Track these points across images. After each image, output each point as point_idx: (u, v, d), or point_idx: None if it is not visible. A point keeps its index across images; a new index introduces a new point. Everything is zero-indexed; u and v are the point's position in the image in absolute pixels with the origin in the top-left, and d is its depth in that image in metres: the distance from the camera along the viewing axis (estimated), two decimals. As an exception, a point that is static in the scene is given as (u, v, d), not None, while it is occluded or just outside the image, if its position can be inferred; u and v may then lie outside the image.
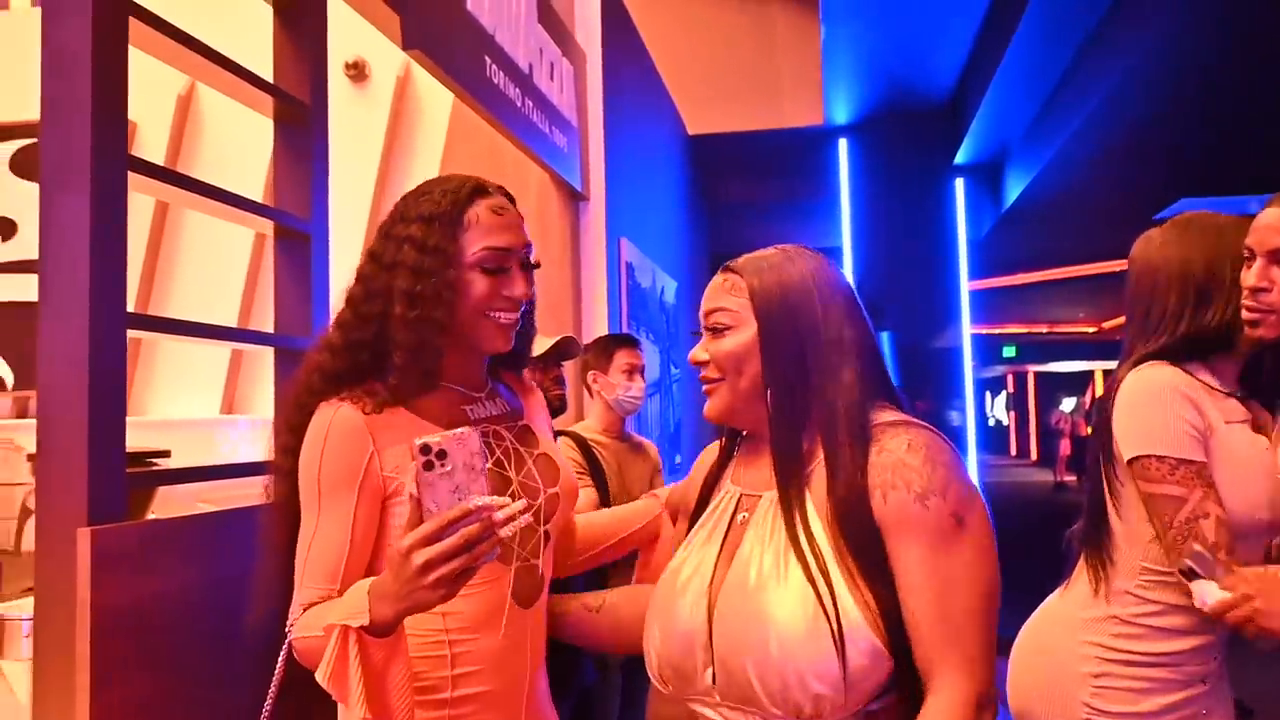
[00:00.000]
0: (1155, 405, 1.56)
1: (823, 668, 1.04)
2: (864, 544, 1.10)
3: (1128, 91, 7.26)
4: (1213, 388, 1.61)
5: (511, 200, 1.35)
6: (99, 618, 1.17)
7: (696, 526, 1.29)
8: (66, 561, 1.18)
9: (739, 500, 1.25)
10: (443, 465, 1.00)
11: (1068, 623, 1.69)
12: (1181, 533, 1.49)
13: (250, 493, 1.80)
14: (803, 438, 1.19)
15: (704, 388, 1.27)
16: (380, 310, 1.26)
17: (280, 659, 1.19)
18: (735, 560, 1.17)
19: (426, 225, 1.27)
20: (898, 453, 1.13)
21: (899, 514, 1.10)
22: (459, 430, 1.03)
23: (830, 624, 1.05)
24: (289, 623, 1.19)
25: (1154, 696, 1.58)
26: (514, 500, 1.03)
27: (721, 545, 1.21)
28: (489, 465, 1.30)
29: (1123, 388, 1.62)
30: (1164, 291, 1.66)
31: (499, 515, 1.01)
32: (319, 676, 1.06)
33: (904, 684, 1.09)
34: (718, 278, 1.28)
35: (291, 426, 1.28)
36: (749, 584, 1.12)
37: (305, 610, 1.18)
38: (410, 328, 1.24)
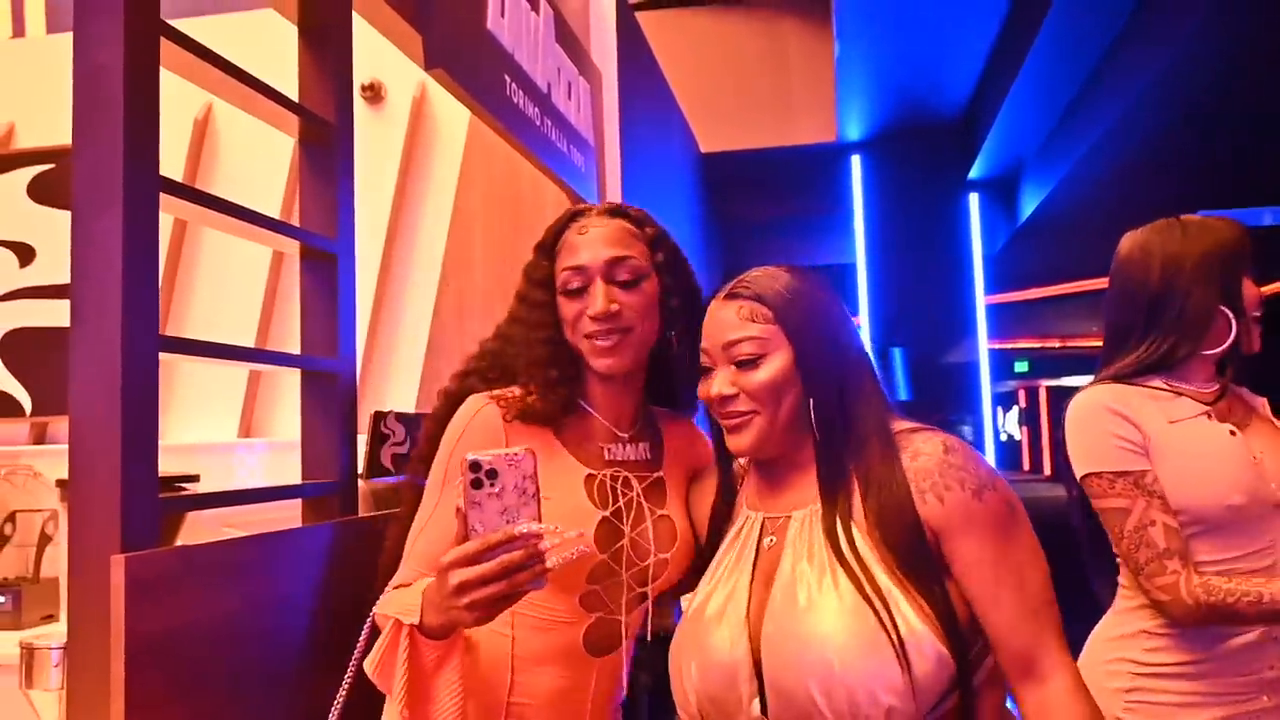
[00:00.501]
0: (1086, 425, 1.60)
1: (890, 679, 1.03)
2: (910, 549, 1.10)
3: (1143, 106, 7.26)
4: (1159, 389, 1.60)
5: (624, 216, 1.36)
6: (133, 645, 1.15)
7: (717, 557, 1.26)
8: (99, 589, 1.15)
9: (762, 524, 1.22)
10: (492, 485, 0.97)
11: (1098, 641, 1.68)
12: (1133, 541, 1.51)
13: (275, 517, 1.78)
14: (845, 454, 1.17)
15: (728, 422, 1.22)
16: (505, 330, 1.39)
17: (365, 628, 1.20)
18: (776, 584, 1.14)
19: (534, 254, 1.37)
20: (936, 455, 1.13)
21: (962, 512, 1.10)
22: (513, 450, 1.00)
23: (890, 635, 1.04)
24: (384, 594, 1.22)
25: (1193, 711, 1.54)
26: (570, 533, 1.01)
27: (752, 572, 1.18)
28: (606, 513, 1.27)
29: (1066, 413, 1.64)
30: (1120, 307, 1.67)
31: (546, 544, 0.97)
32: (367, 665, 1.06)
33: (962, 684, 1.07)
34: (726, 306, 1.22)
35: (435, 416, 1.36)
36: (799, 605, 1.10)
37: (394, 589, 1.19)
38: (523, 345, 1.33)
